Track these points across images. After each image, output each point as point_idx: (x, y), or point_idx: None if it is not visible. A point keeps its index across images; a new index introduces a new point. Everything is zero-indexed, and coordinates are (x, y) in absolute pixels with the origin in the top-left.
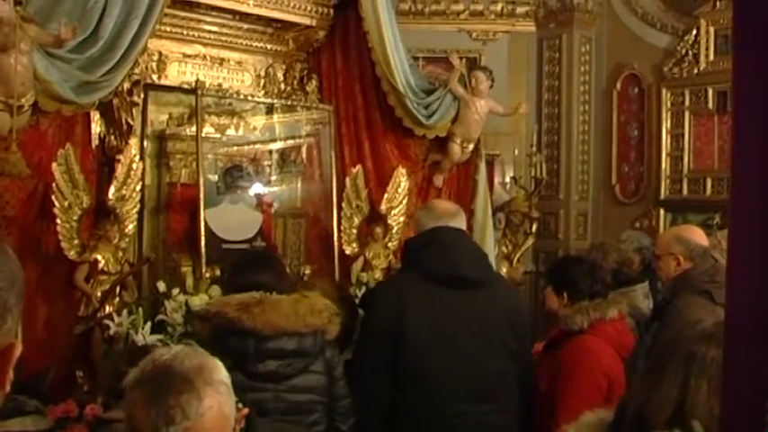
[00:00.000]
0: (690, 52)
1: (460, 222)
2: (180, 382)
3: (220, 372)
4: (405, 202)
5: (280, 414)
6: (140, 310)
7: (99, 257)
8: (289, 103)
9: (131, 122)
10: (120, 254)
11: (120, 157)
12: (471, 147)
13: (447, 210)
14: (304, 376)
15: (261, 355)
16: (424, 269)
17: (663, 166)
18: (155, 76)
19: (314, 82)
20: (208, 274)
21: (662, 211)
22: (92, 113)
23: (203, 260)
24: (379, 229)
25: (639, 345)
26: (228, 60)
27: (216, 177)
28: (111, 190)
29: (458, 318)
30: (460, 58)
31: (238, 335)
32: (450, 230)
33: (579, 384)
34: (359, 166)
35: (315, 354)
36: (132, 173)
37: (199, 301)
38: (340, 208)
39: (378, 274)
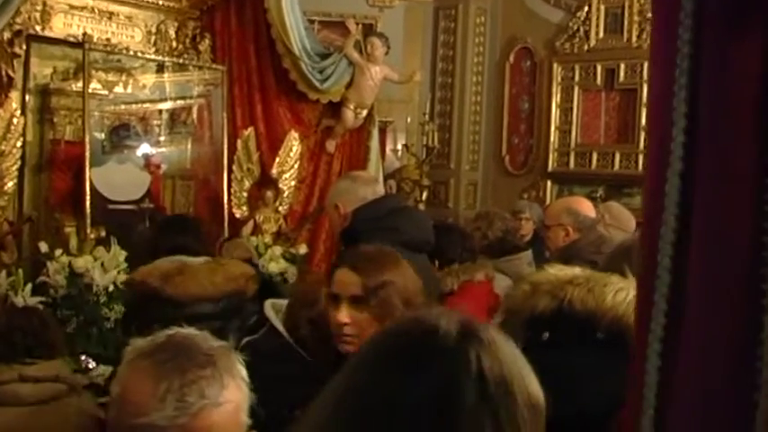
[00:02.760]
0: (581, 29)
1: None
2: (203, 359)
3: (243, 370)
4: (296, 166)
5: None
6: (20, 271)
7: None
8: (180, 61)
9: (12, 75)
10: None
11: (0, 110)
12: (365, 113)
13: (371, 176)
14: (220, 335)
15: (179, 319)
16: (402, 236)
17: (551, 139)
18: (38, 28)
19: (207, 41)
20: (93, 235)
21: (549, 183)
22: None
23: (88, 220)
24: (269, 193)
25: None
26: (118, 14)
27: (102, 136)
28: None
29: (431, 282)
30: (357, 24)
31: (159, 301)
32: (400, 197)
33: None
34: (251, 129)
35: (230, 316)
36: (12, 128)
37: (83, 263)
38: (230, 171)
39: (267, 239)
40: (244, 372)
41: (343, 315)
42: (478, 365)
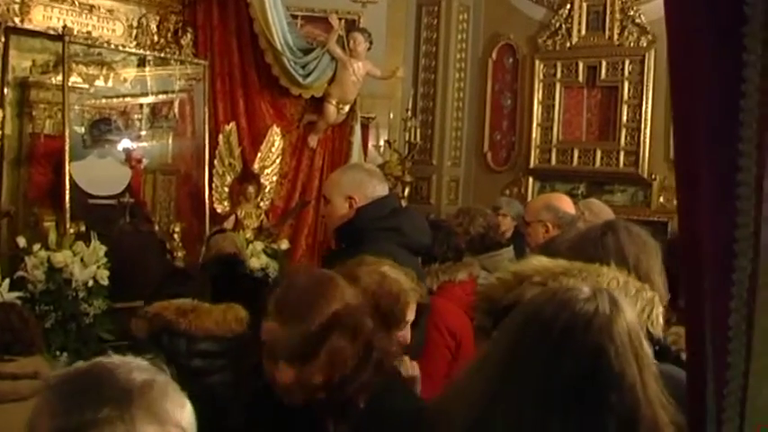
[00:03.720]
0: (563, 26)
1: None
2: (117, 394)
3: (179, 409)
4: (278, 161)
5: None
6: None
7: None
8: (162, 55)
9: None
10: None
11: None
12: (347, 108)
13: (382, 174)
14: (223, 374)
15: (190, 353)
16: (403, 237)
17: (533, 135)
18: (17, 20)
19: (189, 35)
20: (72, 230)
21: (531, 180)
22: None
23: (67, 215)
24: (251, 189)
25: None
26: (99, 7)
27: (83, 130)
28: None
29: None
30: (339, 20)
31: (172, 335)
32: (398, 197)
33: (426, 342)
34: (233, 124)
35: (233, 355)
36: None
37: (62, 258)
38: (212, 165)
39: (249, 234)
40: (181, 411)
41: (287, 375)
42: (624, 322)
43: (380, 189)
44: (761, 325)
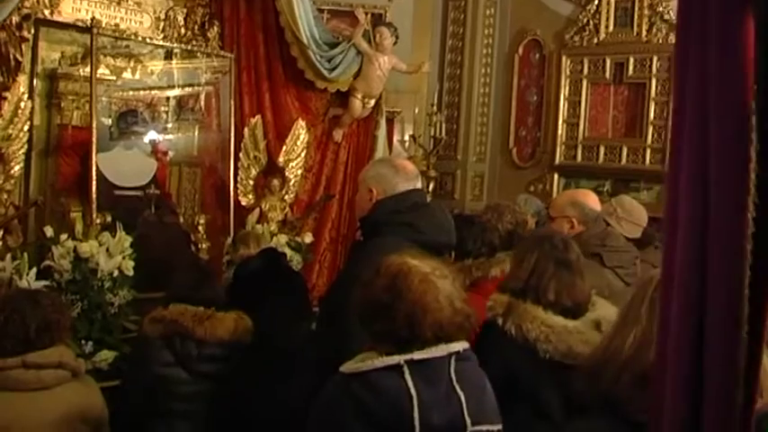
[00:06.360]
0: (591, 22)
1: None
2: None
3: None
4: (303, 155)
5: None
6: (25, 255)
7: None
8: (188, 48)
9: (20, 59)
10: (5, 196)
11: (7, 94)
12: (372, 103)
13: (414, 170)
14: (216, 377)
15: (200, 358)
16: (419, 235)
17: (559, 132)
18: (47, 12)
19: (215, 28)
20: (98, 221)
21: (556, 176)
22: None
23: (94, 206)
24: (276, 182)
25: None
26: (127, 0)
27: (109, 121)
28: None
29: None
30: (366, 14)
31: (184, 339)
32: (424, 194)
33: None
34: (258, 117)
35: (232, 361)
36: (20, 112)
37: (88, 248)
38: (237, 158)
39: (273, 227)
40: None
41: None
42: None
43: (402, 185)
44: None
